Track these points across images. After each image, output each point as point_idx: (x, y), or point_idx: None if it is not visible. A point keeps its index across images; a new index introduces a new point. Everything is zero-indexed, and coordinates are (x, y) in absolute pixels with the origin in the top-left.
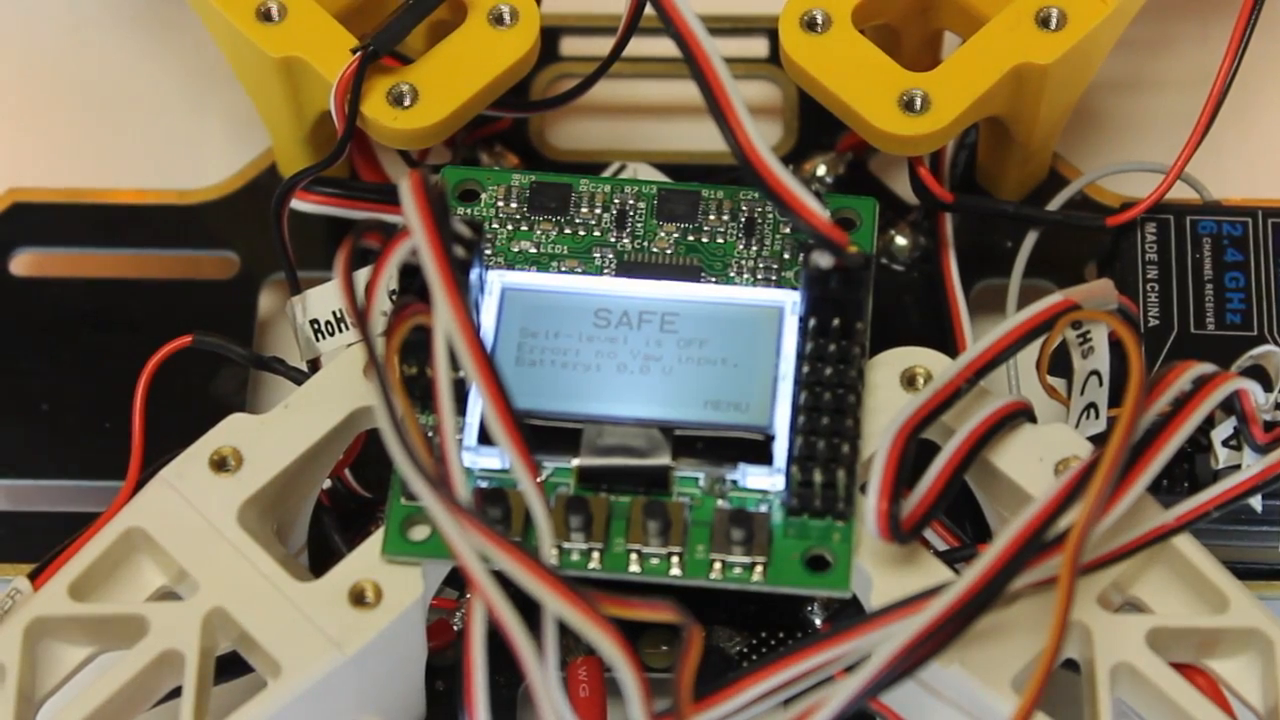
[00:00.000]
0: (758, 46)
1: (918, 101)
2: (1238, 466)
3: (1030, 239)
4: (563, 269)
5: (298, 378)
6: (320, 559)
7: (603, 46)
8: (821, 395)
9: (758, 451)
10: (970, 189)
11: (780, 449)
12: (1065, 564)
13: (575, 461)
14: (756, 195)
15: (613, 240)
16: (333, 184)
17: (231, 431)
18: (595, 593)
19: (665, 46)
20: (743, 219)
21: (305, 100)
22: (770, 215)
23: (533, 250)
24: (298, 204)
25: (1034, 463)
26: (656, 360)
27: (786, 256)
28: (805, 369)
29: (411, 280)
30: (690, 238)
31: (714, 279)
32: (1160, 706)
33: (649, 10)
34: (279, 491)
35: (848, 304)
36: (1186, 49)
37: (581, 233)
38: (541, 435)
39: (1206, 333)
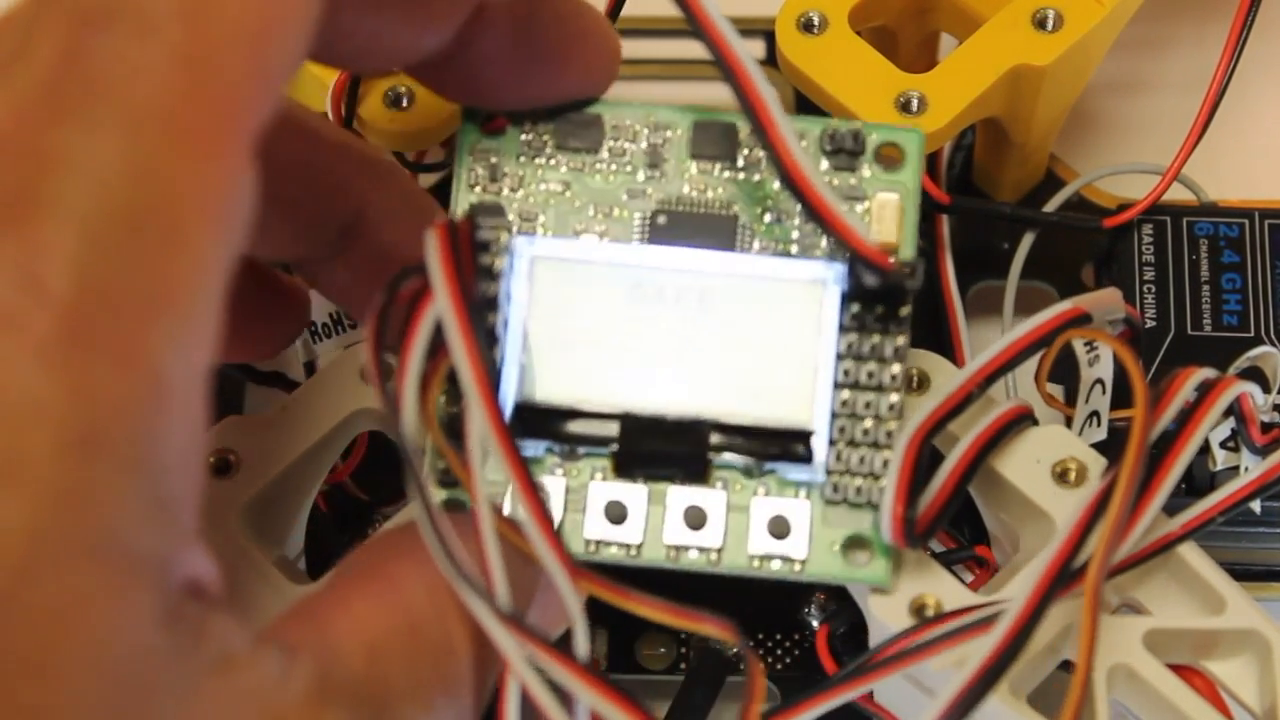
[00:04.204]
0: (754, 48)
1: (914, 103)
2: (1235, 468)
3: (1027, 240)
4: (591, 215)
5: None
6: (317, 561)
7: None
8: (860, 383)
9: (797, 440)
10: (967, 190)
11: (820, 438)
12: (1088, 595)
13: (612, 449)
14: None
15: (642, 181)
16: None
17: (228, 434)
18: (647, 597)
19: (662, 48)
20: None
21: (301, 102)
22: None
23: (560, 189)
24: None
25: (1031, 464)
26: (694, 343)
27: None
28: (845, 354)
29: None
30: (727, 174)
31: (751, 232)
32: (1157, 708)
33: (651, 12)
34: (276, 494)
35: (890, 299)
36: (1183, 50)
37: (613, 168)
38: (578, 422)
39: (1203, 334)
